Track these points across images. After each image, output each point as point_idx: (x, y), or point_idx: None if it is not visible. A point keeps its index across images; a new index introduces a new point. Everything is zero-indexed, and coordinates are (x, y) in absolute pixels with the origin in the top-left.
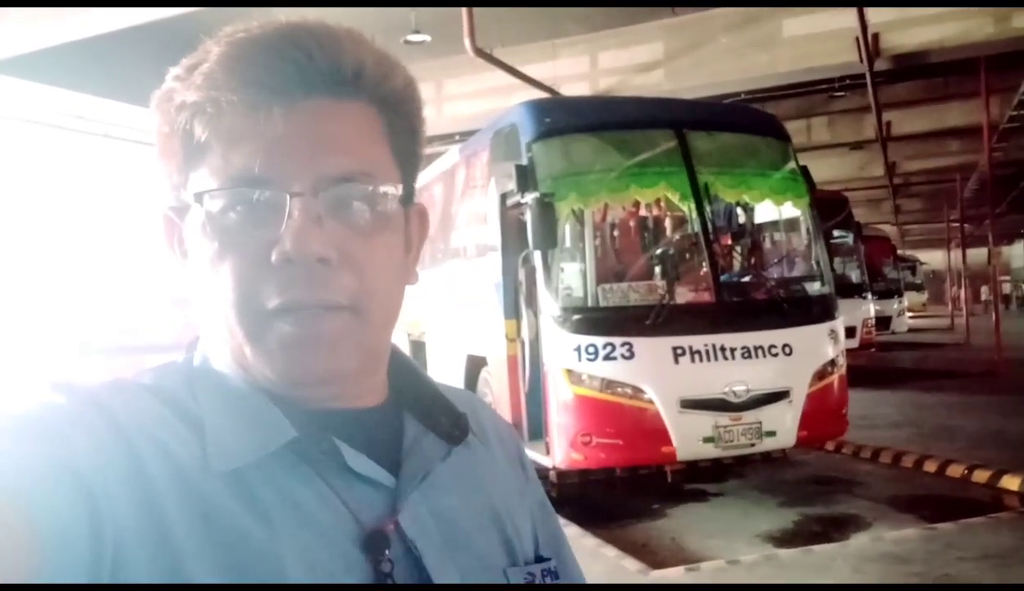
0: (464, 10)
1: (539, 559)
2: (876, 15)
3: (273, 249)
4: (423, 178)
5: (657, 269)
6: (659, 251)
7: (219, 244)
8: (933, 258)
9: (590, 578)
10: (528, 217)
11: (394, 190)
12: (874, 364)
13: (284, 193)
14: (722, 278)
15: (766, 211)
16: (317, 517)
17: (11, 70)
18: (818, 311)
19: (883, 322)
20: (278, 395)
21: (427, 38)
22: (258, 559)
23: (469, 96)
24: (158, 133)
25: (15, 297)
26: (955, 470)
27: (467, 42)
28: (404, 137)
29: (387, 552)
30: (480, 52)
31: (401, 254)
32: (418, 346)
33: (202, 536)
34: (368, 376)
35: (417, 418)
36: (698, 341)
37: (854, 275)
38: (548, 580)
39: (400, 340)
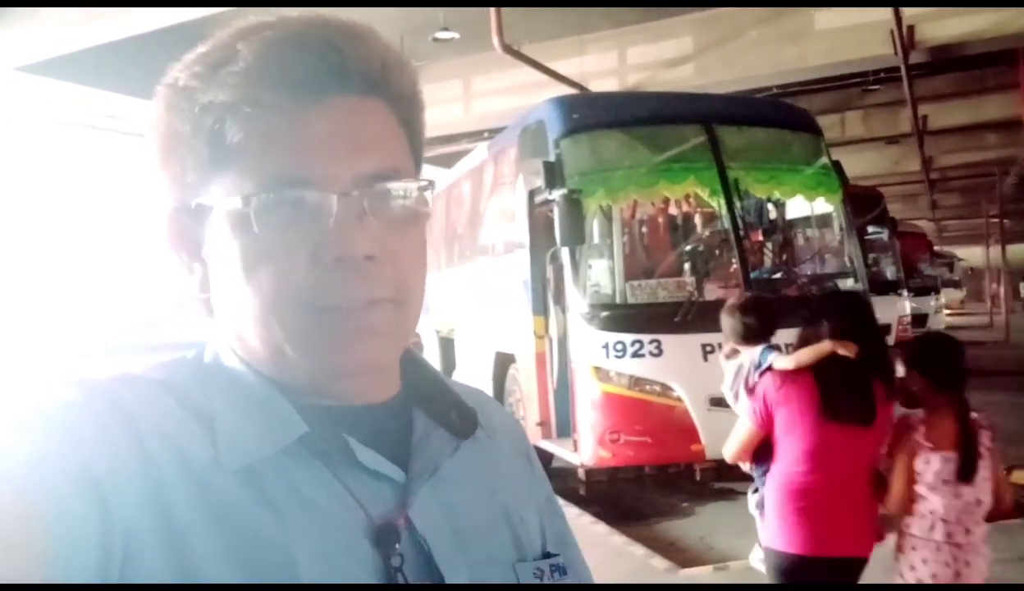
0: (492, 7)
1: (547, 555)
2: (911, 7)
3: (320, 248)
4: (452, 175)
5: (686, 266)
6: (688, 247)
7: (261, 245)
8: (971, 254)
9: (617, 576)
10: (556, 213)
11: (419, 184)
12: None
13: (330, 193)
14: (752, 275)
15: (798, 207)
16: (328, 512)
17: (47, 71)
18: None
19: (919, 320)
20: (290, 392)
21: (455, 35)
22: (270, 553)
23: (497, 93)
24: (171, 133)
25: (43, 297)
26: None
27: (495, 39)
28: (416, 131)
29: (397, 546)
30: (508, 49)
31: (426, 245)
32: (447, 343)
33: (213, 531)
34: (392, 368)
35: (426, 413)
36: None
37: (889, 272)
38: (556, 575)
39: (430, 337)
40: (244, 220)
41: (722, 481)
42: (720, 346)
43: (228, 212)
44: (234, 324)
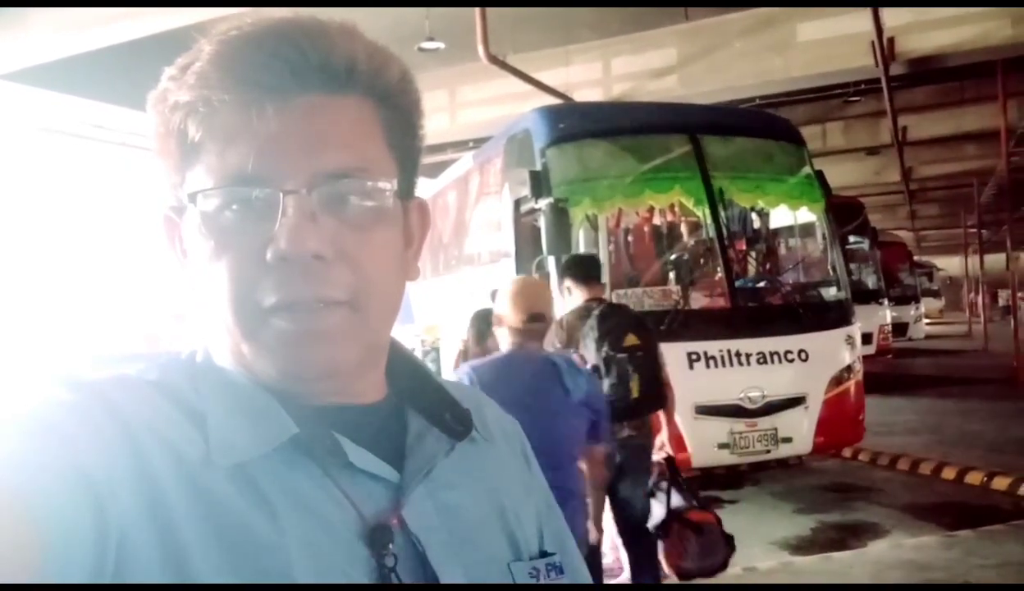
0: (478, 17)
1: (543, 554)
2: (892, 19)
3: (268, 247)
4: (437, 185)
5: (671, 274)
6: (673, 256)
7: (214, 243)
8: (950, 264)
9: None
10: (542, 222)
11: (389, 184)
12: (891, 370)
13: (277, 191)
14: (737, 283)
15: (781, 216)
16: (321, 511)
17: (31, 79)
18: (834, 317)
19: (900, 328)
20: (280, 391)
21: (441, 45)
22: (263, 553)
23: (483, 103)
24: (155, 133)
25: (30, 305)
26: (974, 477)
27: (480, 49)
28: (400, 130)
29: (391, 546)
30: (494, 59)
31: (399, 248)
32: (432, 353)
33: (207, 531)
34: (369, 371)
35: (420, 413)
36: (713, 347)
37: (870, 281)
38: (552, 574)
39: (414, 346)
40: (197, 218)
41: (708, 490)
42: (705, 354)
43: (189, 210)
44: (210, 322)
